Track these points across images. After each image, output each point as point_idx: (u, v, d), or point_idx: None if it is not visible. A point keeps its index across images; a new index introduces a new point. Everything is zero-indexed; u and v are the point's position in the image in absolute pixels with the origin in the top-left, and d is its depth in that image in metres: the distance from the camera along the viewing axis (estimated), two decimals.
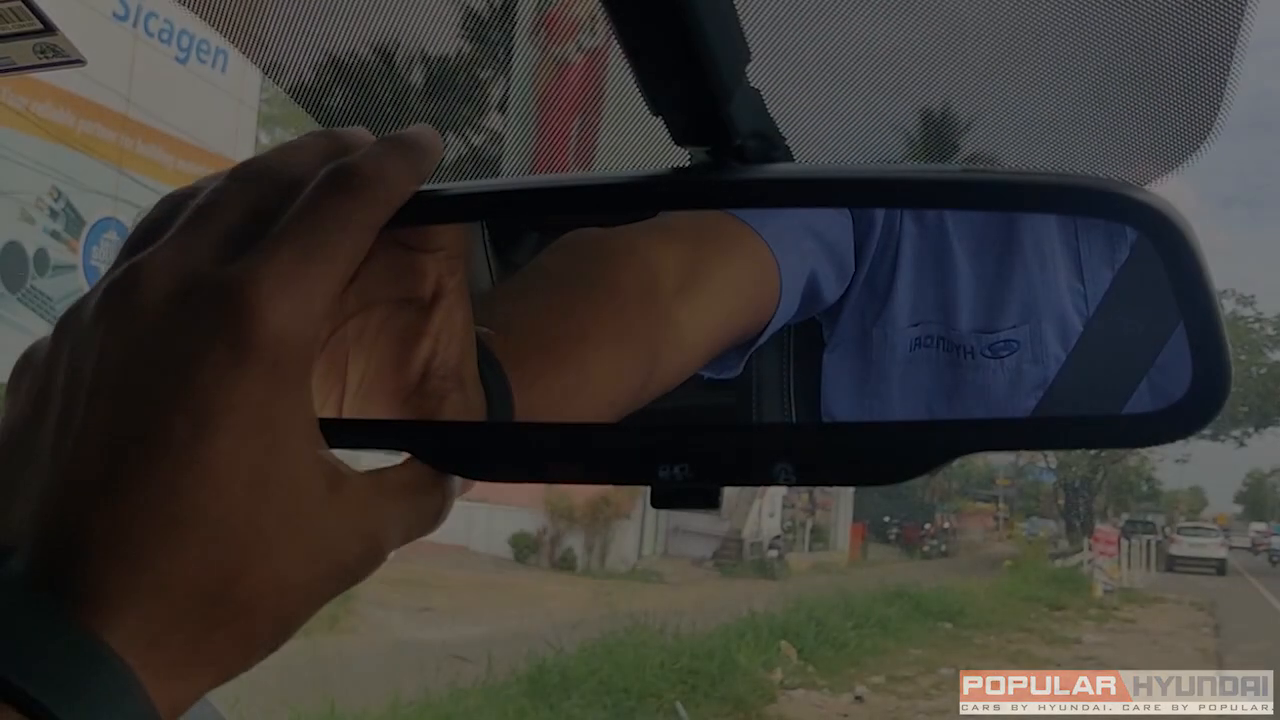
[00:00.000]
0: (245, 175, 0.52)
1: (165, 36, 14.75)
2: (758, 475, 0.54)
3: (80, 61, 1.22)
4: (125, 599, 0.44)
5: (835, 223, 1.09)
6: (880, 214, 1.11)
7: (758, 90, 0.70)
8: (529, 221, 0.59)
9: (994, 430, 0.57)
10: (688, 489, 0.55)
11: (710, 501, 0.55)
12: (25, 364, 0.52)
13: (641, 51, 0.65)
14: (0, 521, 0.47)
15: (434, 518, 0.54)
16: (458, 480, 0.55)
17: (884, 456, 0.54)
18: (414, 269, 0.57)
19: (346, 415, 0.57)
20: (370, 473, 0.52)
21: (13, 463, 0.49)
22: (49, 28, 1.18)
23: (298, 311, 0.47)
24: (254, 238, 0.49)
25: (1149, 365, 0.98)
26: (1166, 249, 0.52)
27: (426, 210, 0.54)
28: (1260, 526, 59.13)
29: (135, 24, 14.40)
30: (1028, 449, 0.58)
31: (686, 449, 0.54)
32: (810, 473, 0.53)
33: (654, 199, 0.64)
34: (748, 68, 0.68)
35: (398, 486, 0.53)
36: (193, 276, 0.47)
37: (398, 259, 0.55)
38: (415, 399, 0.58)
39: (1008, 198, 0.59)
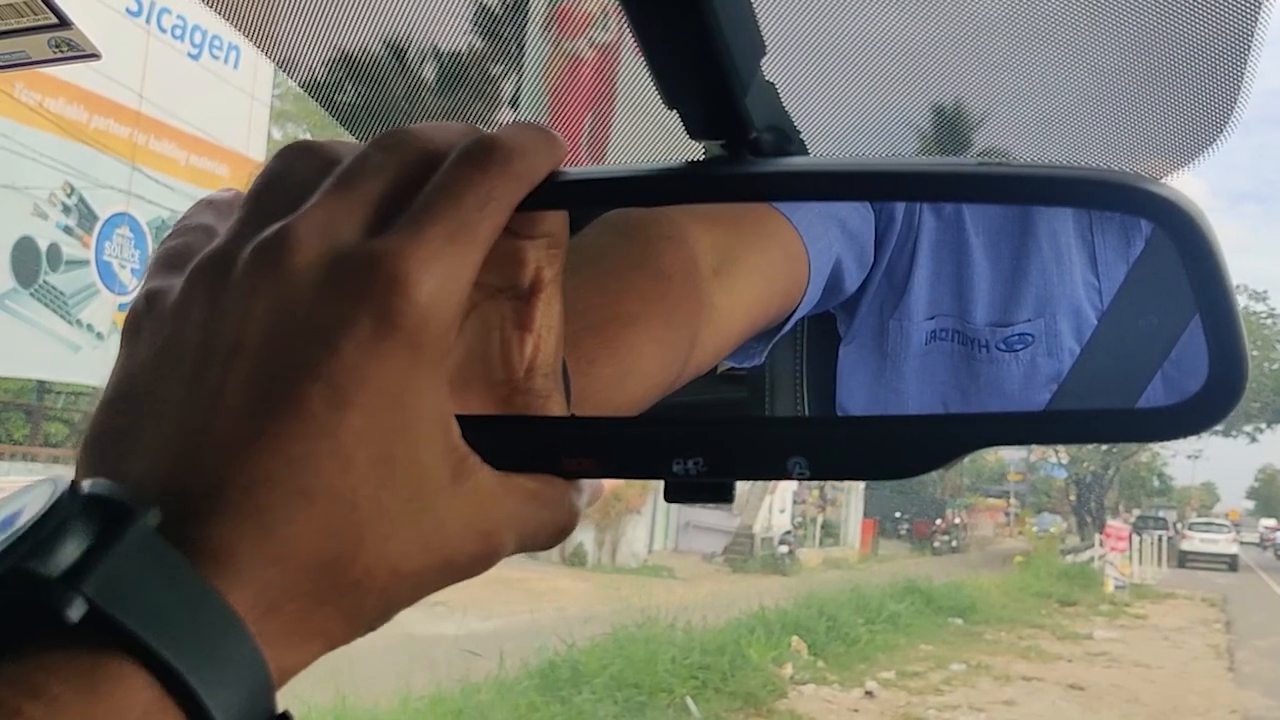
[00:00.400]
0: (389, 144, 0.51)
1: (178, 33, 14.79)
2: (772, 470, 0.54)
3: (95, 56, 1.22)
4: (249, 563, 0.44)
5: (858, 213, 1.08)
6: (901, 206, 1.11)
7: (773, 84, 0.70)
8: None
9: (1008, 424, 0.57)
10: (703, 484, 0.55)
11: (723, 495, 0.55)
12: (146, 310, 0.51)
13: (657, 45, 0.65)
14: (114, 467, 0.47)
15: (555, 532, 0.54)
16: (585, 498, 0.55)
17: (898, 451, 0.53)
18: (515, 256, 0.56)
19: None
20: (502, 474, 0.51)
21: (131, 411, 0.48)
22: (64, 22, 1.18)
23: (442, 290, 0.47)
24: (399, 208, 0.49)
25: (1163, 359, 0.98)
26: (1183, 242, 0.52)
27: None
28: (1270, 522, 59.04)
29: (149, 20, 14.44)
30: (1042, 443, 0.58)
31: (700, 443, 0.54)
32: (825, 467, 0.53)
33: (674, 193, 0.64)
34: (762, 61, 0.68)
35: (525, 492, 0.52)
36: (343, 246, 0.48)
37: (500, 244, 0.53)
38: (518, 396, 0.56)
39: (1024, 191, 0.59)
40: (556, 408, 0.57)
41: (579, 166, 0.57)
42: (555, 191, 0.54)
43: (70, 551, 0.41)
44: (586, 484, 0.55)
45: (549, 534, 0.53)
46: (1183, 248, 0.52)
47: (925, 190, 0.61)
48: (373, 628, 0.50)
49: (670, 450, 0.53)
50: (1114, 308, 1.11)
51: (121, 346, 0.52)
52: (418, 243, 0.47)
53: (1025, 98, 1.17)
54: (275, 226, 0.48)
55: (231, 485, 0.44)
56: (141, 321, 0.51)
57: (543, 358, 0.57)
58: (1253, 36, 0.98)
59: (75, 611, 0.40)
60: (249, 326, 0.47)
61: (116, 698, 0.40)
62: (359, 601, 0.47)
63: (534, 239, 0.56)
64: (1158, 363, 0.98)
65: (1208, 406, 0.51)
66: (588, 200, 0.59)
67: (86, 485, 0.44)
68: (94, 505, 0.43)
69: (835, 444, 0.54)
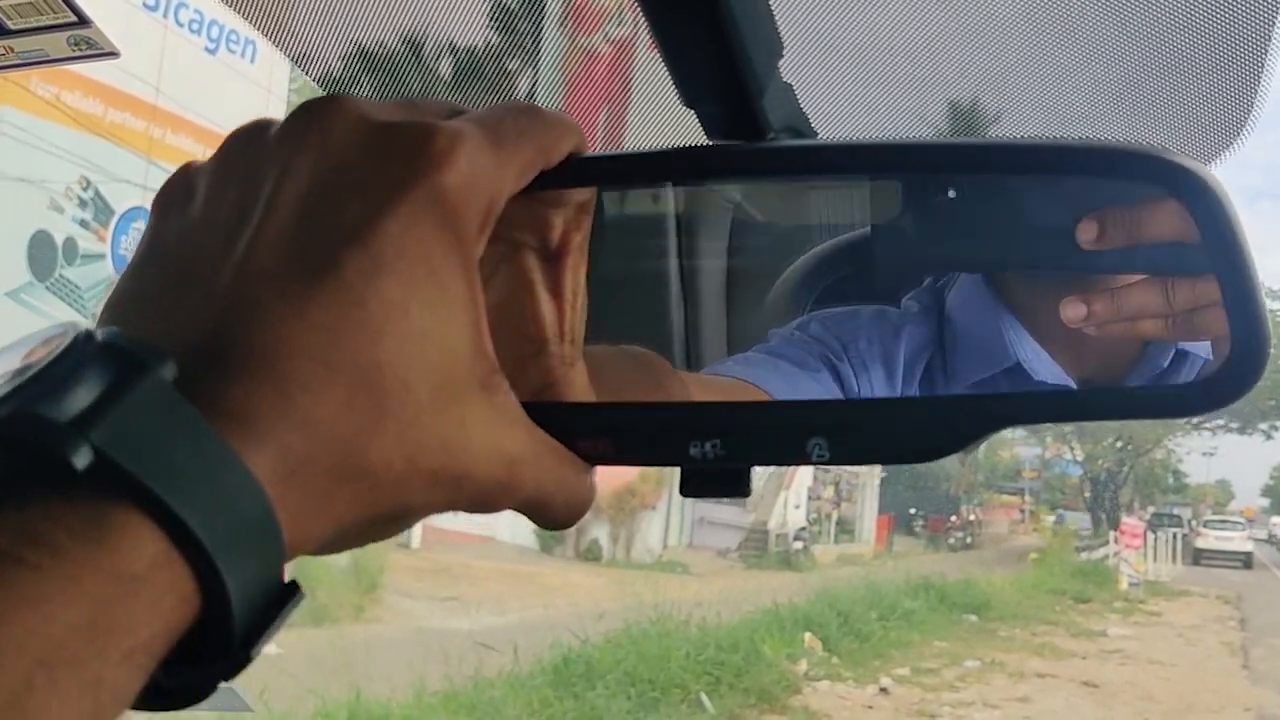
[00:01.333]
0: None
1: (195, 27, 14.80)
2: (791, 453, 0.53)
3: (114, 54, 1.22)
4: (269, 426, 0.42)
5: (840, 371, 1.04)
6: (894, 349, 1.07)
7: (790, 85, 0.71)
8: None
9: (1029, 403, 0.56)
10: (717, 474, 0.54)
11: (740, 487, 0.54)
12: (179, 183, 0.50)
13: (675, 45, 0.65)
14: (135, 326, 0.45)
15: (573, 502, 0.52)
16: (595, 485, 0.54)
17: (919, 432, 0.53)
18: (545, 219, 0.56)
19: None
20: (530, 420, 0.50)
21: (156, 275, 0.48)
22: (83, 20, 1.18)
23: (483, 179, 0.47)
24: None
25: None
26: (1203, 214, 0.52)
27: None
28: (1278, 519, 58.81)
29: (166, 14, 14.46)
30: (1064, 420, 0.57)
31: (718, 426, 0.53)
32: (844, 450, 0.52)
33: (689, 171, 0.64)
34: (780, 62, 0.68)
35: (552, 446, 0.51)
36: (395, 117, 0.47)
37: (527, 205, 0.54)
38: (543, 358, 0.56)
39: (1041, 162, 0.59)
40: (579, 376, 0.57)
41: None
42: (578, 168, 0.54)
43: (81, 398, 0.40)
44: (594, 473, 0.54)
45: (566, 499, 0.52)
46: (1203, 221, 0.52)
47: (941, 163, 0.60)
48: (380, 533, 0.48)
49: (687, 433, 0.53)
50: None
51: (151, 217, 0.51)
52: (465, 131, 0.47)
53: (1041, 99, 1.16)
54: (324, 97, 0.48)
55: (254, 348, 0.43)
56: (175, 190, 0.51)
57: (569, 324, 0.57)
58: (1271, 36, 0.98)
59: (81, 459, 0.39)
60: (288, 181, 0.46)
61: (123, 549, 0.39)
62: (375, 489, 0.45)
63: (563, 205, 0.56)
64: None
65: (1232, 380, 0.51)
66: (607, 178, 0.59)
67: (102, 334, 0.42)
68: (109, 354, 0.41)
69: (854, 426, 0.54)
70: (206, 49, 15.19)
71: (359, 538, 0.48)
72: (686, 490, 0.55)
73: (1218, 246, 0.52)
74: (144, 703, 0.41)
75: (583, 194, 0.56)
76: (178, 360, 0.42)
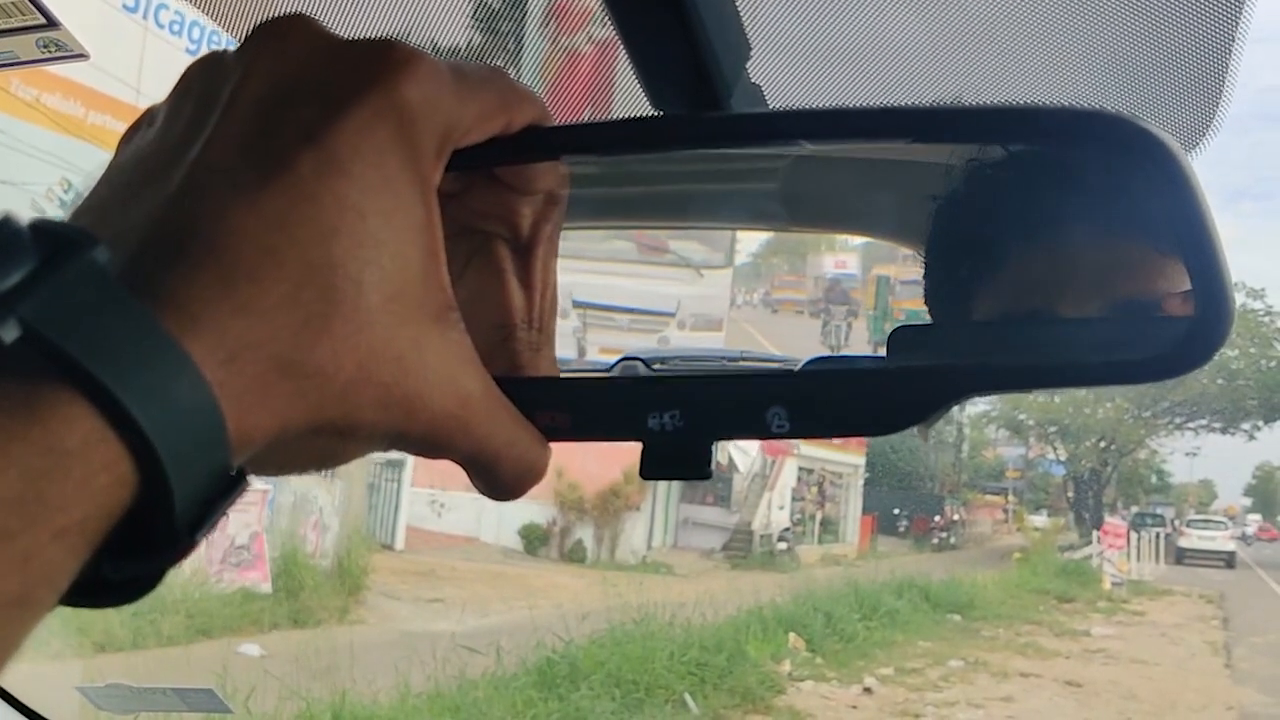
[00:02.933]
0: None
1: (176, 28, 14.77)
2: (750, 424, 0.53)
3: (83, 56, 1.22)
4: (208, 310, 0.42)
5: None
6: None
7: (758, 85, 0.71)
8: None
9: (993, 374, 0.56)
10: (678, 454, 0.54)
11: (700, 467, 0.54)
12: (142, 120, 0.51)
13: (642, 48, 0.65)
14: (95, 229, 0.44)
15: (524, 465, 0.51)
16: (548, 459, 0.53)
17: (882, 403, 0.53)
18: (514, 208, 0.56)
19: None
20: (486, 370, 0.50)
21: (119, 184, 0.48)
22: (52, 22, 1.18)
23: (442, 103, 0.47)
24: None
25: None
26: (1164, 179, 0.52)
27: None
28: (1255, 518, 59.13)
29: (146, 16, 14.42)
30: (1029, 390, 0.57)
31: (676, 395, 0.53)
32: (804, 420, 0.52)
33: (650, 141, 0.63)
34: (749, 63, 0.68)
35: (507, 407, 0.50)
36: (358, 39, 0.48)
37: (498, 196, 0.55)
38: (510, 343, 0.56)
39: (1006, 127, 0.58)
40: (545, 361, 0.58)
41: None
42: (541, 139, 0.54)
43: (9, 275, 0.39)
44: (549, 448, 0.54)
45: (517, 462, 0.51)
46: (1163, 185, 0.52)
47: (899, 129, 0.60)
48: (328, 453, 0.48)
49: (646, 404, 0.53)
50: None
51: (118, 148, 0.51)
52: (427, 58, 0.47)
53: (1011, 99, 1.17)
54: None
55: (199, 235, 0.43)
56: (139, 123, 0.51)
57: (537, 311, 0.57)
58: (1235, 38, 0.99)
59: (8, 333, 0.38)
60: (247, 85, 0.46)
61: (53, 423, 0.38)
62: (321, 389, 0.44)
63: (533, 194, 0.56)
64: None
65: (1200, 345, 0.50)
66: (569, 148, 0.59)
67: (37, 221, 0.42)
68: (41, 237, 0.40)
69: (814, 396, 0.53)
70: (188, 50, 15.15)
71: (306, 451, 0.47)
72: (646, 471, 0.54)
73: (1181, 211, 0.51)
74: (92, 597, 0.41)
75: (553, 183, 0.57)
76: (126, 251, 0.42)
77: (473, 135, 0.50)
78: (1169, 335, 0.51)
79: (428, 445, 0.48)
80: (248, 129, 0.45)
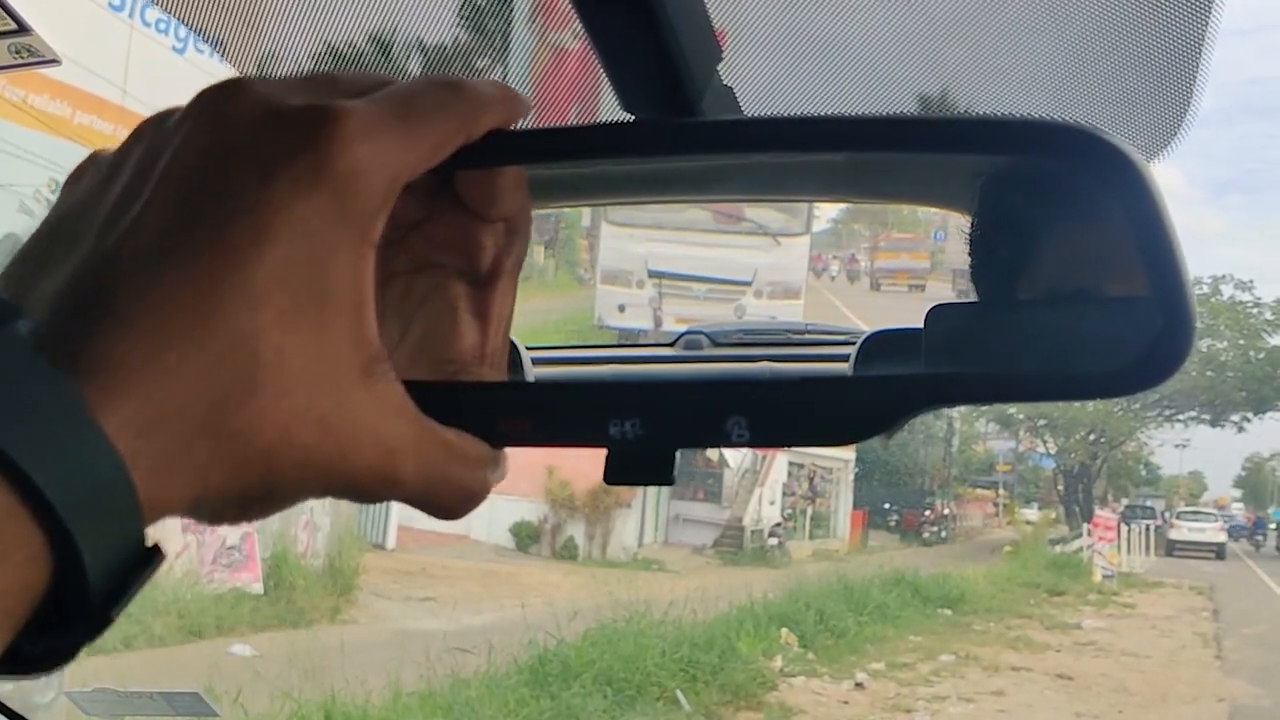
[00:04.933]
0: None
1: (162, 27, 14.73)
2: (709, 432, 0.52)
3: (55, 61, 1.22)
4: (133, 378, 0.42)
5: None
6: None
7: (730, 88, 0.71)
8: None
9: (957, 384, 0.55)
10: (641, 460, 0.53)
11: (663, 474, 0.53)
12: (89, 164, 0.51)
13: (611, 50, 0.65)
14: (16, 289, 0.45)
15: (460, 496, 0.51)
16: (499, 473, 0.53)
17: (843, 413, 0.52)
18: (476, 240, 0.56)
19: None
20: (419, 411, 0.49)
21: (54, 245, 0.47)
22: (23, 28, 1.17)
23: (379, 159, 0.47)
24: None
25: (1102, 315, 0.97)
26: (1124, 189, 0.51)
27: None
28: (1238, 508, 59.41)
29: (132, 15, 14.38)
30: (994, 402, 0.57)
31: (637, 403, 0.53)
32: (764, 430, 0.52)
33: (615, 148, 0.63)
34: (720, 64, 0.68)
35: (439, 439, 0.50)
36: (294, 98, 0.48)
37: (460, 225, 0.55)
38: (462, 379, 0.56)
39: (970, 137, 0.58)
40: None
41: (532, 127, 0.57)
42: (502, 144, 0.54)
43: None
44: (501, 460, 0.54)
45: (454, 493, 0.51)
46: (1124, 195, 0.51)
47: (867, 140, 0.60)
48: (251, 511, 0.47)
49: (606, 411, 0.53)
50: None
51: (59, 194, 0.51)
52: (367, 111, 0.47)
53: (981, 101, 1.17)
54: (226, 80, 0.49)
55: (127, 299, 0.43)
56: (81, 171, 0.51)
57: (492, 346, 0.57)
58: (1205, 34, 0.99)
59: None
60: (183, 154, 0.46)
61: None
62: (243, 452, 0.44)
63: (494, 223, 0.56)
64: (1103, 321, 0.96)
65: (1163, 360, 0.50)
66: (532, 155, 0.58)
67: None
68: None
69: (774, 405, 0.53)
70: (174, 48, 15.11)
71: (227, 510, 0.47)
72: (610, 476, 0.54)
73: (1142, 221, 0.51)
74: (6, 668, 0.41)
75: (516, 208, 0.57)
76: (54, 308, 0.43)
77: (430, 164, 0.50)
78: (1135, 348, 0.51)
79: (356, 497, 0.49)
80: (182, 195, 0.45)
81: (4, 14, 1.15)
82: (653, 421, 0.52)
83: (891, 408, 0.52)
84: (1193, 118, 1.07)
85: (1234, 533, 47.33)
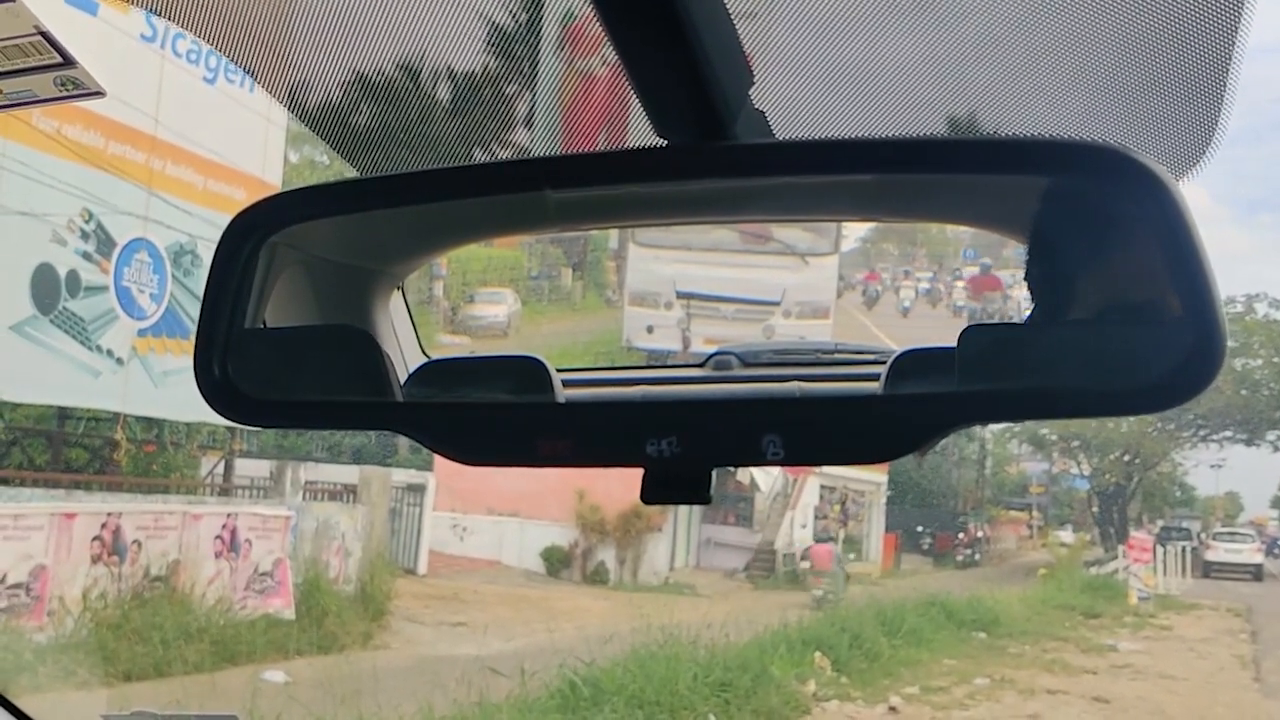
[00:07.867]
0: None
1: (193, 57, 14.86)
2: (746, 449, 0.53)
3: (100, 93, 1.23)
4: None
5: None
6: None
7: (762, 112, 0.71)
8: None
9: (988, 402, 0.55)
10: (677, 480, 0.54)
11: (700, 493, 0.54)
12: None
13: (645, 77, 0.65)
14: None
15: None
16: None
17: (876, 431, 0.52)
18: None
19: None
20: None
21: None
22: (68, 61, 1.19)
23: None
24: None
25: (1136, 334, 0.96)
26: (1156, 211, 0.52)
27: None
28: (1275, 529, 58.92)
29: (163, 45, 14.51)
30: (1027, 419, 0.57)
31: (674, 422, 0.53)
32: (798, 448, 0.52)
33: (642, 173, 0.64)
34: (752, 89, 0.68)
35: None
36: None
37: None
38: None
39: (1003, 158, 0.58)
40: None
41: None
42: (551, 170, 0.54)
43: None
44: None
45: None
46: (1153, 214, 0.51)
47: (899, 162, 0.60)
48: None
49: (643, 431, 0.53)
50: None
51: None
52: None
53: (1010, 121, 1.17)
54: None
55: None
56: None
57: None
58: (1232, 55, 0.98)
59: None
60: None
61: None
62: None
63: None
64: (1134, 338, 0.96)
65: (1193, 377, 0.50)
66: (575, 181, 0.59)
67: None
68: None
69: (809, 423, 0.53)
70: (205, 79, 15.24)
71: None
72: (648, 495, 0.54)
73: (1174, 241, 0.51)
74: None
75: None
76: None
77: None
78: (1167, 365, 0.51)
79: None
80: None
81: (50, 47, 1.16)
82: (690, 440, 0.52)
83: (926, 424, 0.51)
84: (1221, 136, 1.07)
85: (1271, 551, 46.88)
